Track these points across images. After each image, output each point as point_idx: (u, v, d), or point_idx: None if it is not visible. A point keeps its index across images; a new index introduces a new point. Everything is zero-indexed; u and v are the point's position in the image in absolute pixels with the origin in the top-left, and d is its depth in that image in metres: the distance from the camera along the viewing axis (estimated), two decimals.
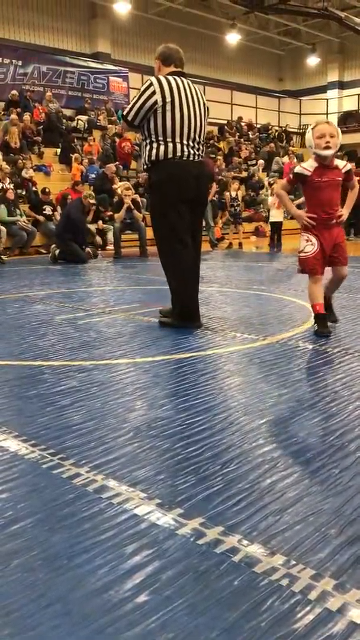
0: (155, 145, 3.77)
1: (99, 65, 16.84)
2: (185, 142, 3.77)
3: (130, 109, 3.81)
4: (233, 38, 19.43)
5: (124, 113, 3.90)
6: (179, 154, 3.76)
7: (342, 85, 22.38)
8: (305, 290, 4.50)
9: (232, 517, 1.55)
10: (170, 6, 18.15)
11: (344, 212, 3.71)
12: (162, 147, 3.76)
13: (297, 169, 3.73)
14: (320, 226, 3.67)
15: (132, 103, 3.81)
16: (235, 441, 2.06)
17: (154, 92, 3.71)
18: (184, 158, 3.77)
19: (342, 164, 3.72)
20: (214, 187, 10.78)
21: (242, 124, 19.11)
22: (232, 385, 2.75)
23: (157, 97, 3.70)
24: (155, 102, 3.70)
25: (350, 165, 3.77)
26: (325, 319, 3.72)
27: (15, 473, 1.83)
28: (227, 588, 1.27)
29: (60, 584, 1.30)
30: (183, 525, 1.51)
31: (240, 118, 19.36)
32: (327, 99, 22.14)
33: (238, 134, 18.32)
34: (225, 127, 18.21)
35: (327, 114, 21.57)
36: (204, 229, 10.51)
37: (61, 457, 1.94)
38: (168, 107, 3.71)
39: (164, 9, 18.30)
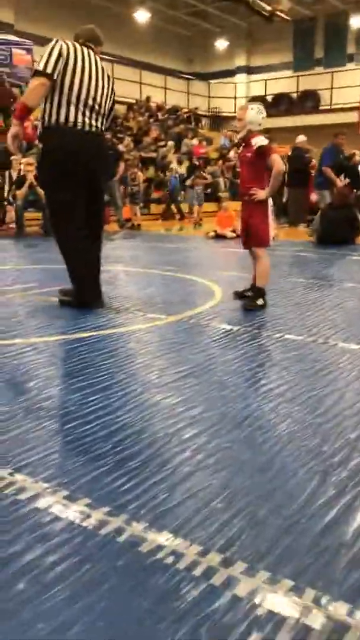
0: (48, 107, 3.53)
1: (1, 36, 16.04)
2: (82, 109, 3.57)
3: (45, 62, 3.45)
4: (142, 16, 19.13)
5: (39, 68, 3.48)
6: (72, 119, 3.55)
7: (249, 70, 22.66)
8: (209, 271, 4.52)
9: (119, 496, 1.49)
10: None
11: (259, 191, 3.77)
12: (55, 110, 3.52)
13: None
14: (242, 202, 3.94)
15: (42, 59, 3.48)
16: (130, 420, 2.00)
17: (61, 47, 3.51)
18: (78, 127, 3.57)
19: (256, 142, 3.74)
20: (122, 166, 10.59)
21: (151, 104, 18.93)
22: (131, 364, 2.69)
23: (64, 51, 3.50)
24: (61, 55, 3.48)
25: (262, 142, 3.73)
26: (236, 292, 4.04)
27: None
28: (110, 571, 1.21)
29: None
30: (68, 508, 1.44)
31: (148, 98, 19.17)
32: (235, 83, 22.36)
33: (148, 113, 18.13)
34: (134, 106, 17.97)
35: (235, 97, 21.80)
36: (112, 208, 10.33)
37: None
38: (70, 66, 3.51)
39: None
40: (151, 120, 17.54)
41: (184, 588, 1.16)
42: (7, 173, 9.98)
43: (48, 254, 6.73)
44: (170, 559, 1.24)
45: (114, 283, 4.76)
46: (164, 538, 1.32)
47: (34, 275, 5.23)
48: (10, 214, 9.49)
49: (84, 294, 3.79)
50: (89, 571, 1.21)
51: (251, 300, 3.88)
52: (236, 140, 3.82)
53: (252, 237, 3.88)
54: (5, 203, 9.87)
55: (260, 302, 3.85)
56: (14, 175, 9.82)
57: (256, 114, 3.77)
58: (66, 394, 2.25)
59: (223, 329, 3.30)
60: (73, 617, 1.08)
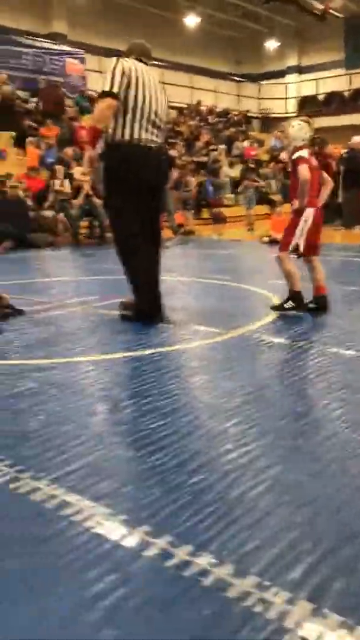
0: (112, 124, 3.56)
1: (55, 46, 16.36)
2: (145, 125, 3.60)
3: (110, 83, 3.50)
4: (191, 21, 19.16)
5: (106, 89, 3.52)
6: (136, 136, 3.59)
7: (300, 69, 22.35)
8: (266, 280, 4.46)
9: (200, 534, 1.47)
10: None
11: (294, 202, 3.99)
12: (119, 127, 3.56)
13: None
14: None
15: (106, 79, 3.54)
16: (201, 447, 1.98)
17: (123, 65, 3.55)
18: (141, 143, 3.61)
19: (295, 156, 3.97)
20: (174, 172, 10.62)
21: (202, 108, 18.92)
22: (197, 384, 2.67)
23: (126, 69, 3.53)
24: (124, 73, 3.52)
25: (295, 156, 3.95)
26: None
27: None
28: (197, 618, 1.19)
29: (16, 619, 1.19)
30: (150, 545, 1.42)
31: (199, 102, 19.18)
32: (286, 84, 22.11)
33: (198, 117, 18.14)
34: (185, 111, 18.00)
35: (286, 98, 21.57)
36: (165, 215, 10.36)
37: (18, 470, 1.82)
38: (132, 83, 3.54)
39: None
40: (202, 124, 17.53)
41: None
42: (51, 182, 10.12)
43: (105, 265, 6.80)
44: (259, 608, 1.21)
45: (171, 294, 4.74)
46: (251, 583, 1.28)
47: (93, 287, 5.29)
48: (64, 224, 9.62)
49: (145, 308, 3.80)
50: (177, 617, 1.19)
51: (281, 303, 4.02)
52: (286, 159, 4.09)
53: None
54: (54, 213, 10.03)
55: (288, 305, 3.97)
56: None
57: (298, 131, 3.99)
58: (135, 418, 2.24)
59: (288, 345, 3.24)
60: None
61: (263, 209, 12.82)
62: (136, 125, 3.58)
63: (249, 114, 20.47)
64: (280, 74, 22.44)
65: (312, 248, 3.99)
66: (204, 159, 15.06)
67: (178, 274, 6.05)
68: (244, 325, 3.68)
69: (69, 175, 10.53)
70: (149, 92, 3.61)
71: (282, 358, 3.01)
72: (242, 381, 2.64)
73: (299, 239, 3.93)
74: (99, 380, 2.71)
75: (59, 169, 10.38)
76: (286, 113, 21.22)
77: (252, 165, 14.61)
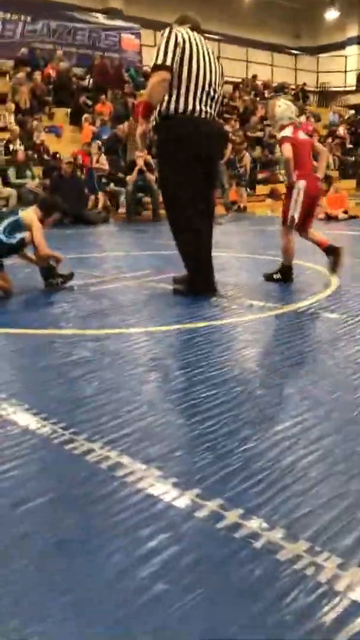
0: (166, 97, 3.52)
1: (111, 22, 16.33)
2: (199, 96, 3.55)
3: (164, 55, 3.43)
4: None
5: (158, 62, 3.45)
6: (190, 108, 3.54)
7: None
8: (322, 256, 4.38)
9: (252, 498, 1.48)
10: None
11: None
12: (173, 99, 3.52)
13: None
14: None
15: (157, 51, 3.47)
16: (253, 417, 1.98)
17: (176, 35, 3.48)
18: (195, 115, 3.56)
19: (279, 136, 4.19)
20: (229, 148, 10.49)
21: (258, 82, 18.56)
22: (249, 356, 2.66)
23: (179, 39, 3.47)
24: (177, 44, 3.45)
25: (280, 135, 4.15)
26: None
27: (25, 449, 1.77)
28: (249, 577, 1.20)
29: (73, 570, 1.23)
30: (201, 507, 1.44)
31: (255, 76, 18.80)
32: (346, 56, 21.37)
33: (254, 92, 17.81)
34: (240, 85, 17.70)
35: (345, 71, 20.88)
36: (219, 192, 10.28)
37: (73, 432, 1.87)
38: (186, 53, 3.49)
39: None
40: (257, 99, 17.21)
41: (328, 603, 1.12)
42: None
43: (158, 240, 6.83)
44: (310, 570, 1.21)
45: (225, 270, 4.72)
46: (302, 547, 1.28)
47: (147, 262, 5.32)
48: (120, 200, 9.69)
49: (198, 281, 3.80)
50: (228, 576, 1.20)
51: (271, 274, 4.28)
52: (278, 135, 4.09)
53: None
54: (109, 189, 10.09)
55: (276, 276, 4.24)
56: None
57: (285, 110, 4.17)
58: (187, 387, 2.26)
59: (342, 320, 3.19)
60: (213, 625, 1.08)
61: None
62: (190, 97, 3.53)
63: (306, 88, 19.96)
64: (340, 45, 21.71)
65: (306, 221, 4.20)
66: (259, 134, 14.82)
67: (232, 250, 6.02)
68: (298, 301, 3.63)
69: (124, 153, 10.57)
70: (203, 61, 3.56)
71: (336, 333, 2.96)
72: (295, 354, 2.62)
73: (294, 211, 4.10)
74: (152, 350, 2.74)
75: (94, 146, 10.38)
76: (345, 86, 20.60)
77: None
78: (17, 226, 3.87)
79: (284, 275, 4.25)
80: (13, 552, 1.29)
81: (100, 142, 10.88)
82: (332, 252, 4.24)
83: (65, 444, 1.79)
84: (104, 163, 10.25)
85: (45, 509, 1.46)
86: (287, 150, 4.03)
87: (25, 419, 1.97)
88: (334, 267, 4.24)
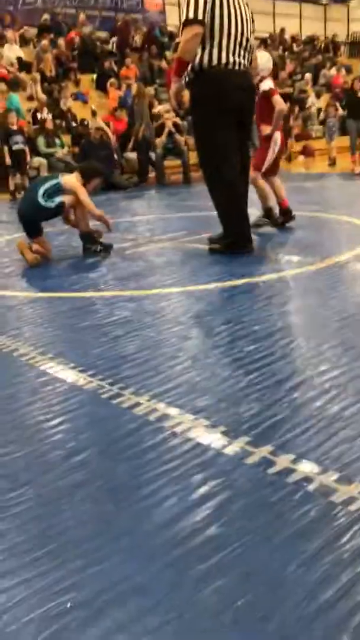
0: (199, 51, 3.43)
1: None
2: (232, 47, 3.45)
3: (194, 8, 3.31)
4: None
5: (190, 16, 3.32)
6: (224, 61, 3.45)
7: None
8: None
9: (301, 444, 1.47)
10: None
11: (265, 127, 4.43)
12: (207, 52, 3.42)
13: None
14: None
15: (188, 5, 3.35)
16: (297, 368, 1.97)
17: None
18: (230, 67, 3.48)
19: (262, 87, 4.27)
20: None
21: (286, 36, 17.95)
22: (290, 310, 2.63)
23: None
24: None
25: (265, 87, 4.26)
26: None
27: (74, 404, 1.80)
28: (303, 519, 1.20)
29: (127, 516, 1.26)
30: (251, 454, 1.45)
31: (283, 30, 18.17)
32: None
33: (282, 47, 17.24)
34: (268, 40, 17.14)
35: None
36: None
37: (120, 387, 1.89)
38: (217, 4, 3.38)
39: None
40: (286, 53, 16.68)
41: None
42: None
43: (191, 202, 6.75)
44: None
45: (261, 226, 4.66)
46: (357, 490, 1.28)
47: (180, 224, 5.28)
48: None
49: (234, 237, 3.75)
50: (282, 518, 1.21)
51: (254, 220, 4.35)
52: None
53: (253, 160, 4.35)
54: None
55: (262, 221, 4.56)
56: None
57: (267, 62, 4.27)
58: (230, 342, 2.25)
59: None
60: (270, 565, 1.09)
61: (345, 140, 12.12)
62: (224, 49, 3.44)
63: (336, 39, 19.22)
64: None
65: (274, 167, 4.53)
66: (289, 89, 14.39)
67: None
68: (337, 255, 3.56)
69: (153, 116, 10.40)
70: (234, 10, 3.45)
71: None
72: (336, 307, 2.58)
73: (271, 160, 4.44)
74: (191, 309, 2.73)
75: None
76: None
77: (338, 92, 13.78)
78: (57, 190, 3.87)
79: (269, 218, 4.58)
80: (69, 499, 1.33)
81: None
82: (286, 215, 4.61)
83: (112, 398, 1.82)
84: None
85: (97, 459, 1.49)
86: (281, 101, 4.25)
87: (73, 376, 2.00)
88: (276, 224, 4.58)
